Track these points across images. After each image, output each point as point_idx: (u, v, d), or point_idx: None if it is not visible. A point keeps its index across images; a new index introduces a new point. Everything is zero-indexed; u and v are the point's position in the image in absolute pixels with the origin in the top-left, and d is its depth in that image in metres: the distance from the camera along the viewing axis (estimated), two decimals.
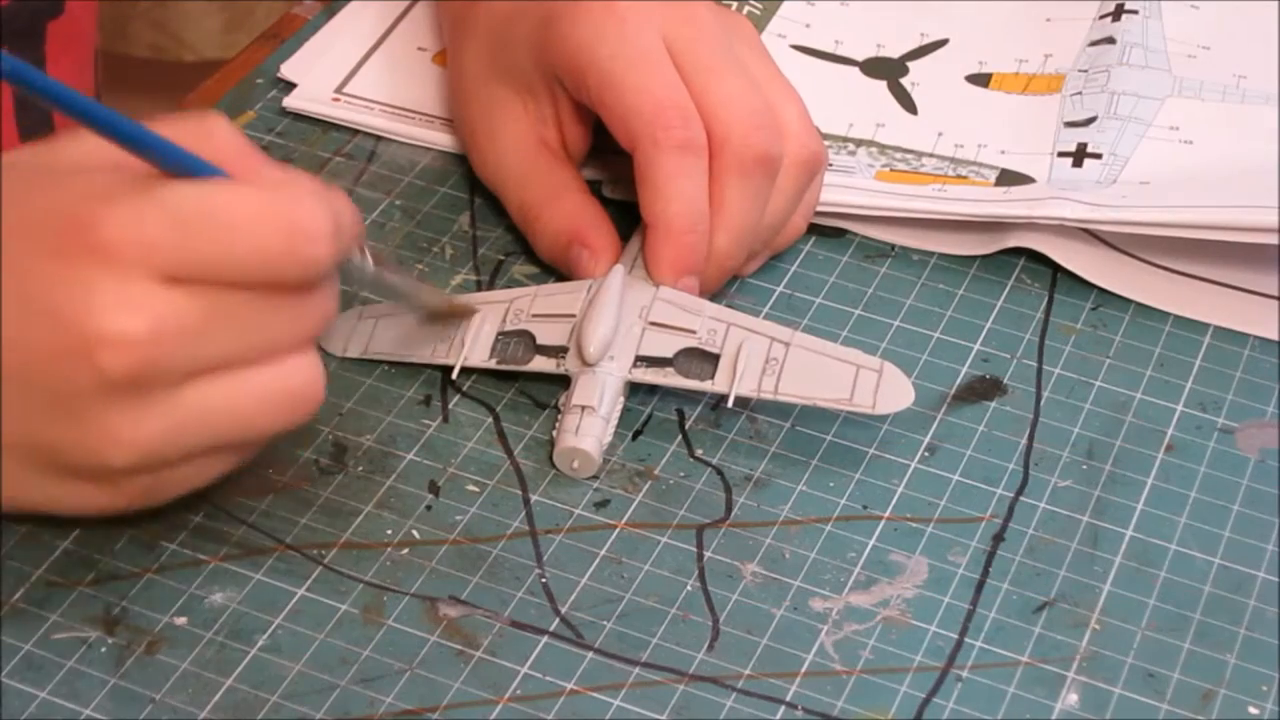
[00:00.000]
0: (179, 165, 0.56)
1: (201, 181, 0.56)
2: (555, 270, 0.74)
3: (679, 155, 0.69)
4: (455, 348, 0.69)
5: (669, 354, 0.67)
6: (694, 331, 0.68)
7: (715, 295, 0.72)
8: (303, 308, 0.58)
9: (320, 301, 0.59)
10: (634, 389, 0.69)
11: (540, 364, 0.68)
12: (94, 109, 0.54)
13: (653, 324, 0.68)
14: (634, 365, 0.67)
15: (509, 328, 0.69)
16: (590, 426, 0.66)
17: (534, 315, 0.69)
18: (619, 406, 0.67)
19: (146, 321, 0.55)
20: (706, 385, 0.67)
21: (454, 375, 0.69)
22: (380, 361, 0.70)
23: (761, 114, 0.70)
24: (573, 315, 0.68)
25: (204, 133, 0.58)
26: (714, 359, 0.67)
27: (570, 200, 0.73)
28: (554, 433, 0.67)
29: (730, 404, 0.67)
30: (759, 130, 0.70)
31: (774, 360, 0.67)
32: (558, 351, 0.68)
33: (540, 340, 0.68)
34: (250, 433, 0.59)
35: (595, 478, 0.67)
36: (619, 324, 0.68)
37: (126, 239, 0.55)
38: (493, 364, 0.69)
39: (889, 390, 0.67)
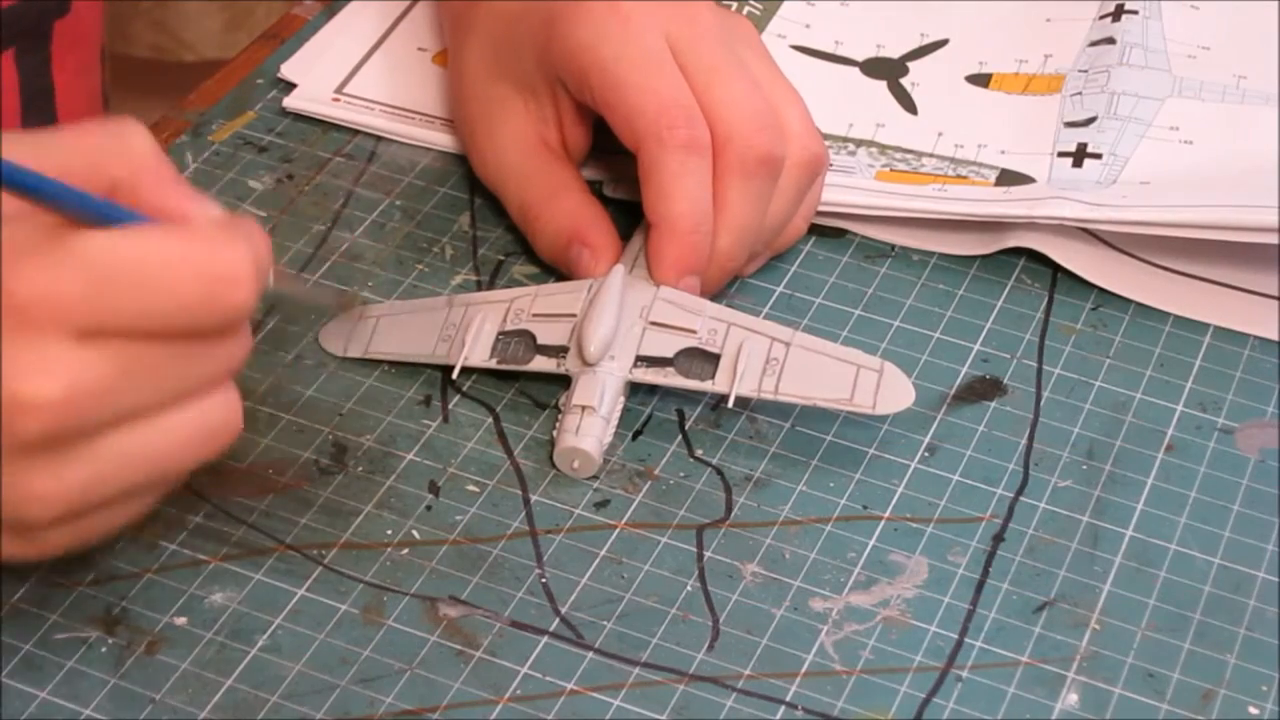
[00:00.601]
0: (94, 214, 0.54)
1: (116, 232, 0.54)
2: (556, 270, 0.74)
3: (684, 154, 0.69)
4: (456, 347, 0.69)
5: (669, 354, 0.67)
6: (694, 331, 0.68)
7: (716, 295, 0.72)
8: (221, 350, 0.56)
9: (238, 341, 0.57)
10: (634, 388, 0.69)
11: (541, 364, 0.68)
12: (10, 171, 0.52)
13: (653, 324, 0.68)
14: (634, 365, 0.67)
15: (509, 327, 0.69)
16: (591, 426, 0.66)
17: (534, 315, 0.69)
18: (619, 406, 0.67)
19: (61, 384, 0.53)
20: (707, 385, 0.67)
21: (454, 375, 0.69)
22: (381, 361, 0.70)
23: (764, 115, 0.70)
24: (573, 315, 0.68)
25: (121, 146, 0.56)
26: (714, 359, 0.67)
27: (570, 199, 0.73)
28: (554, 433, 0.67)
29: (731, 404, 0.67)
30: (762, 131, 0.70)
31: (774, 360, 0.67)
32: (558, 351, 0.68)
33: (541, 340, 0.68)
34: (169, 473, 0.57)
35: (595, 478, 0.67)
36: (619, 324, 0.68)
37: (39, 298, 0.53)
38: (493, 364, 0.69)
39: (889, 390, 0.67)
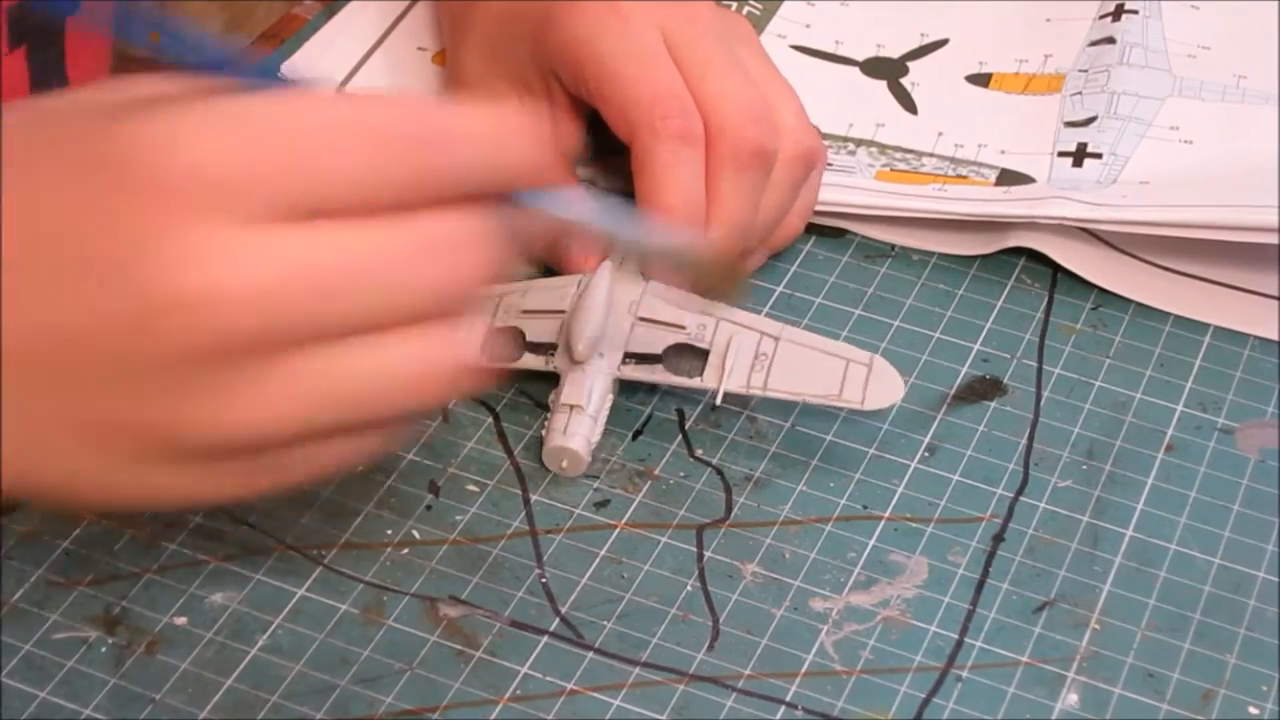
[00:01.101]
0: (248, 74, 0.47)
1: (305, 94, 0.47)
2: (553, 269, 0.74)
3: (676, 145, 0.69)
4: None
5: (658, 350, 0.67)
6: (683, 327, 0.68)
7: None
8: (459, 247, 0.47)
9: (481, 244, 0.47)
10: (633, 388, 0.69)
11: (529, 361, 0.68)
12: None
13: (642, 319, 0.68)
14: (623, 362, 0.67)
15: (499, 324, 0.69)
16: (578, 425, 0.66)
17: (523, 311, 0.69)
18: (608, 404, 0.67)
19: (245, 275, 0.45)
20: (695, 382, 0.67)
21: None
22: None
23: (757, 108, 0.70)
24: (562, 311, 0.68)
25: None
26: (703, 355, 0.67)
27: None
28: (543, 432, 0.67)
29: (719, 401, 0.67)
30: (755, 124, 0.70)
31: (763, 355, 0.67)
32: (547, 349, 0.68)
33: (530, 337, 0.68)
34: (389, 411, 0.48)
35: (595, 477, 0.67)
36: (608, 320, 0.67)
37: (227, 165, 0.45)
38: (483, 362, 0.68)
39: (879, 385, 0.66)
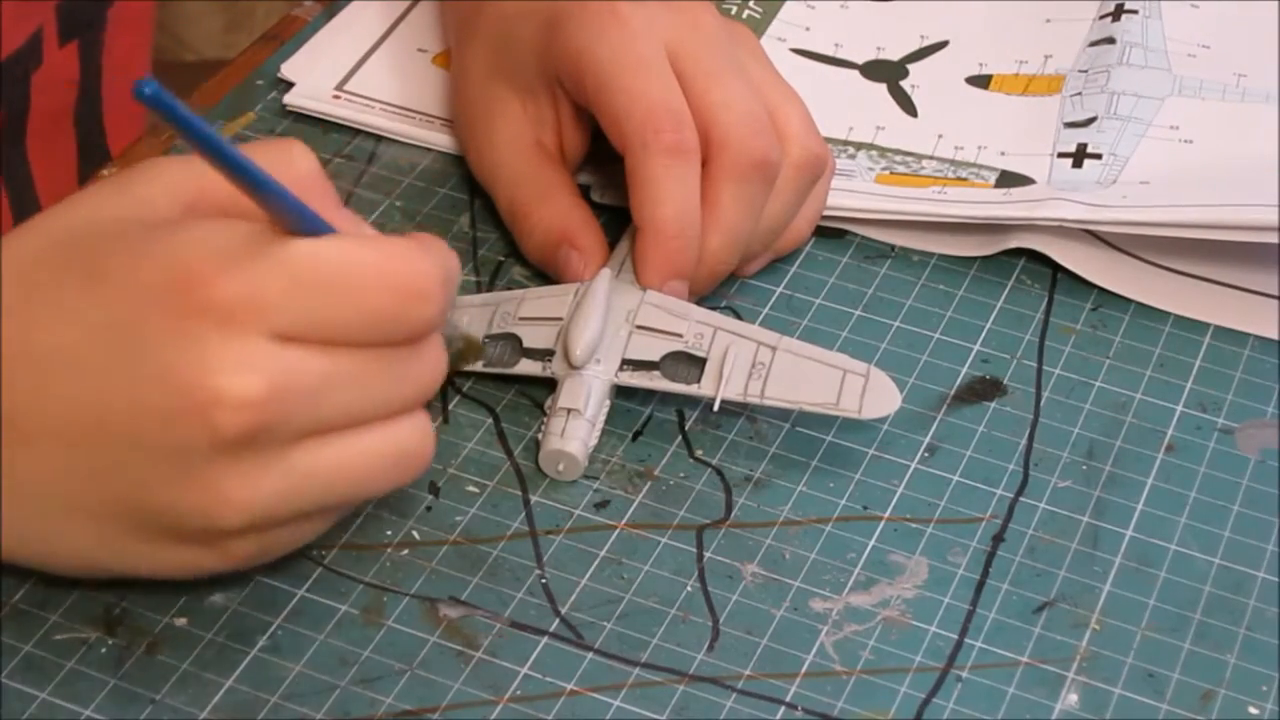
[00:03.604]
0: (294, 216, 0.55)
1: (316, 239, 0.55)
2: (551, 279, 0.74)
3: (669, 158, 0.69)
4: None
5: (655, 357, 0.67)
6: (680, 335, 0.68)
7: (715, 292, 0.72)
8: (414, 366, 0.57)
9: (430, 361, 0.58)
10: (632, 389, 0.69)
11: (526, 367, 0.68)
12: (227, 150, 0.53)
13: (639, 327, 0.68)
14: (620, 368, 0.67)
15: (495, 330, 0.69)
16: (575, 430, 0.66)
17: (521, 318, 0.69)
18: (605, 409, 0.67)
19: (264, 381, 0.54)
20: (693, 389, 0.67)
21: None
22: None
23: (760, 120, 0.70)
24: (559, 319, 0.68)
25: (286, 160, 0.57)
26: (701, 363, 0.67)
27: (560, 202, 0.73)
28: (539, 436, 0.67)
29: (716, 408, 0.67)
30: (757, 136, 0.70)
31: (760, 364, 0.67)
32: (544, 355, 0.68)
33: (527, 343, 0.68)
34: (361, 493, 0.58)
35: (594, 478, 0.67)
36: (605, 327, 0.67)
37: (242, 297, 0.54)
38: (479, 367, 0.69)
39: (875, 395, 0.66)
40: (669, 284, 0.69)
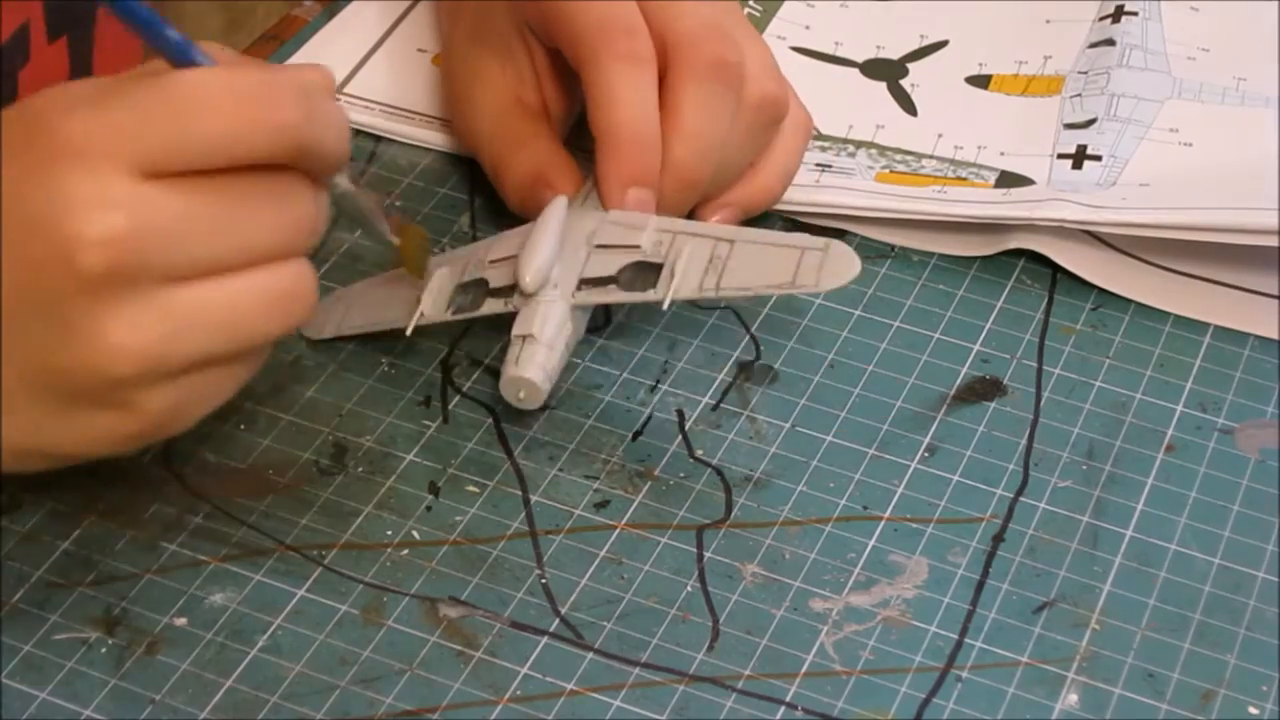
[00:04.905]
0: (175, 52, 0.56)
1: (162, 72, 0.55)
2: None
3: (621, 64, 0.68)
4: (413, 307, 0.68)
5: (612, 271, 0.66)
6: (638, 246, 0.66)
7: None
8: (284, 205, 0.57)
9: (303, 201, 0.58)
10: (633, 387, 0.69)
11: (490, 306, 0.67)
12: None
13: (599, 247, 0.67)
14: (578, 289, 0.66)
15: (466, 279, 0.69)
16: (532, 355, 0.65)
17: (490, 262, 0.68)
18: (566, 333, 0.66)
19: (122, 216, 0.54)
20: (648, 295, 0.65)
21: (408, 332, 0.68)
22: (350, 338, 0.70)
23: (718, 25, 0.70)
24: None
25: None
26: (659, 269, 0.66)
27: (537, 146, 0.72)
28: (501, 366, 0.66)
29: (666, 306, 0.65)
30: (713, 40, 0.69)
31: (718, 259, 0.65)
32: (508, 291, 0.67)
33: (493, 284, 0.68)
34: (249, 336, 0.57)
35: (594, 478, 0.66)
36: (564, 252, 0.66)
37: (89, 132, 0.54)
38: (449, 316, 0.68)
39: (833, 266, 0.64)
40: (631, 193, 0.68)
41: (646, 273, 0.66)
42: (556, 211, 0.67)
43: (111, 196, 0.54)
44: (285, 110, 0.56)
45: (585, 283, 0.66)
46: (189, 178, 0.55)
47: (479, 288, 0.68)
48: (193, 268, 0.55)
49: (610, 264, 0.66)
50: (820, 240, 0.65)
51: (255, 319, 0.57)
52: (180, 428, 0.58)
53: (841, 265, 0.64)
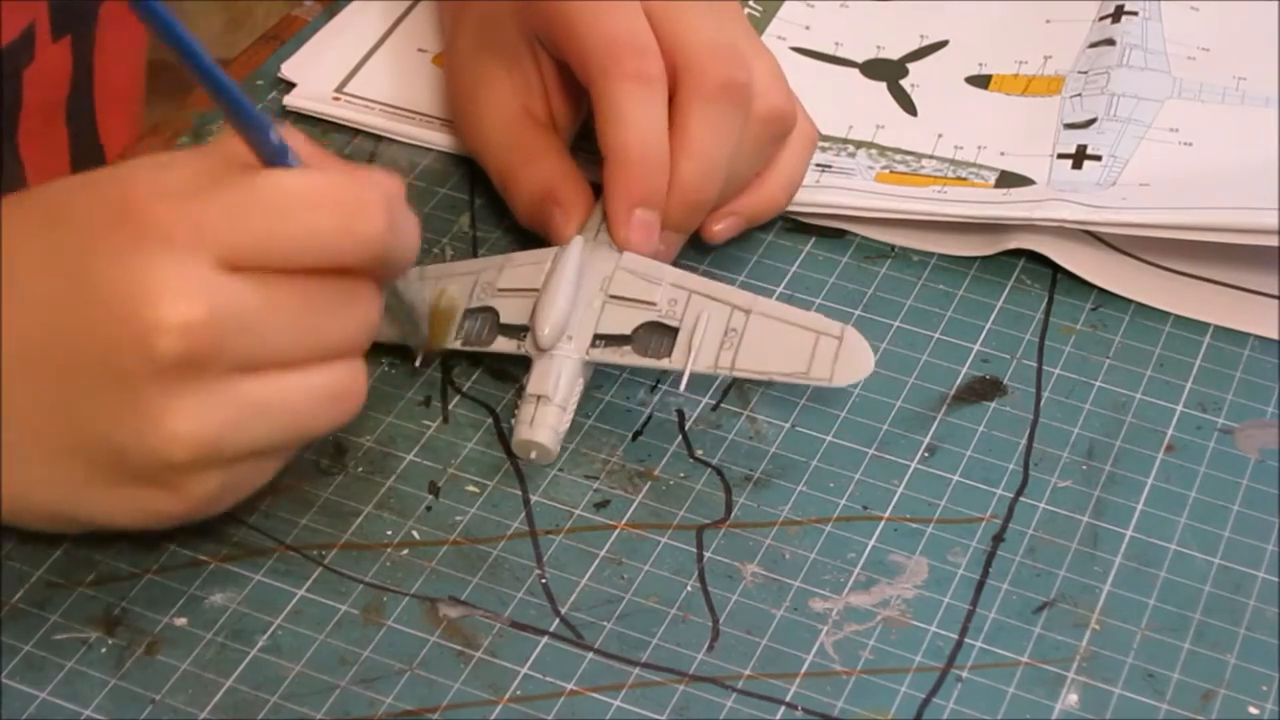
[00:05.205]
0: (261, 143, 0.57)
1: (259, 169, 0.57)
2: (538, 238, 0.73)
3: (630, 84, 0.68)
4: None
5: (628, 330, 0.67)
6: (654, 304, 0.67)
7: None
8: (354, 305, 0.59)
9: (369, 302, 0.59)
10: (633, 386, 0.69)
11: (502, 345, 0.68)
12: (210, 66, 0.54)
13: (613, 297, 0.67)
14: (592, 344, 0.67)
15: (475, 304, 0.69)
16: (545, 416, 0.65)
17: (500, 290, 0.68)
18: (578, 390, 0.66)
19: (203, 306, 0.55)
20: (664, 363, 0.66)
21: (417, 364, 0.69)
22: (379, 358, 0.70)
23: (728, 46, 0.70)
24: (535, 290, 0.67)
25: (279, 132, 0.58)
26: (674, 333, 0.66)
27: (547, 161, 0.72)
28: (512, 420, 0.67)
29: (684, 385, 0.66)
30: (722, 60, 0.69)
31: (733, 331, 0.66)
32: (519, 331, 0.67)
33: (504, 319, 0.68)
34: (303, 431, 0.59)
35: (594, 478, 0.66)
36: (578, 299, 0.67)
37: (178, 221, 0.55)
38: (457, 344, 0.68)
39: (848, 360, 0.65)
40: (637, 214, 0.68)
41: (661, 335, 0.67)
42: (572, 258, 0.68)
43: (194, 285, 0.55)
44: (373, 223, 0.57)
45: (600, 338, 0.67)
46: (269, 274, 0.56)
47: (488, 317, 0.68)
48: (263, 361, 0.57)
49: (625, 321, 0.67)
50: (835, 326, 0.66)
51: (311, 415, 0.59)
52: (218, 510, 0.60)
53: (857, 361, 0.65)
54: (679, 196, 0.69)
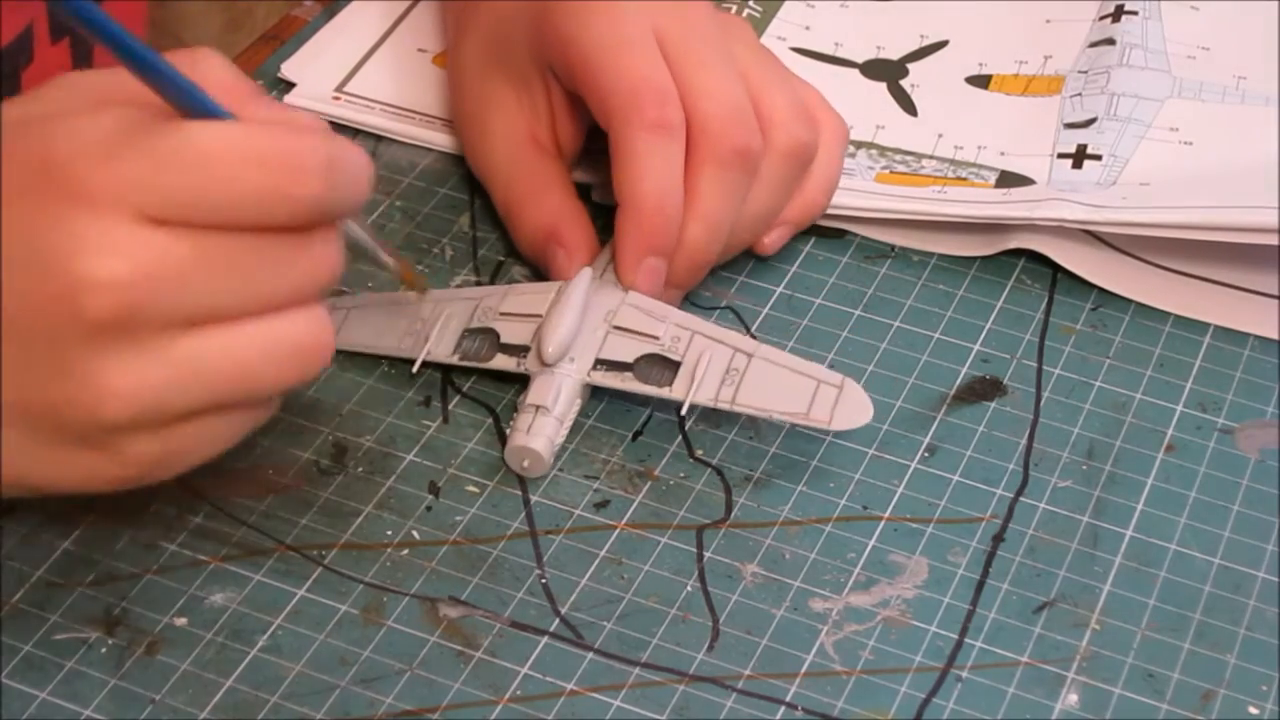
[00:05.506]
0: (187, 101, 0.54)
1: (185, 122, 0.54)
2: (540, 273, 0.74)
3: (651, 134, 0.68)
4: (420, 342, 0.69)
5: (629, 359, 0.67)
6: (657, 337, 0.67)
7: (714, 293, 0.72)
8: (300, 254, 0.55)
9: (320, 249, 0.56)
10: (622, 394, 0.69)
11: (501, 362, 0.68)
12: (119, 34, 0.52)
13: (617, 328, 0.68)
14: (594, 368, 0.67)
15: (475, 325, 0.69)
16: (542, 426, 0.66)
17: (501, 314, 0.69)
18: (575, 408, 0.67)
19: (128, 263, 0.52)
20: (664, 392, 0.67)
21: (414, 369, 0.69)
22: (373, 358, 0.70)
23: (743, 109, 0.70)
24: (538, 315, 0.68)
25: (195, 71, 0.55)
26: (674, 366, 0.67)
27: (552, 197, 0.73)
28: (508, 430, 0.67)
29: (684, 412, 0.67)
30: (738, 124, 0.69)
31: (734, 371, 0.67)
32: (519, 350, 0.68)
33: (504, 339, 0.68)
34: (254, 387, 0.56)
35: (594, 478, 0.67)
36: (582, 326, 0.67)
37: (100, 179, 0.53)
38: (455, 359, 0.69)
39: (847, 407, 0.66)
40: (646, 262, 0.69)
41: (662, 367, 0.67)
42: (581, 285, 0.68)
43: (119, 242, 0.53)
44: (307, 185, 0.54)
45: (601, 363, 0.67)
46: (198, 227, 0.54)
47: (488, 337, 0.69)
48: (200, 315, 0.54)
49: (628, 350, 0.67)
50: (835, 376, 0.66)
51: (263, 370, 0.56)
52: (168, 474, 0.57)
53: (856, 409, 0.66)
54: (685, 257, 0.70)
